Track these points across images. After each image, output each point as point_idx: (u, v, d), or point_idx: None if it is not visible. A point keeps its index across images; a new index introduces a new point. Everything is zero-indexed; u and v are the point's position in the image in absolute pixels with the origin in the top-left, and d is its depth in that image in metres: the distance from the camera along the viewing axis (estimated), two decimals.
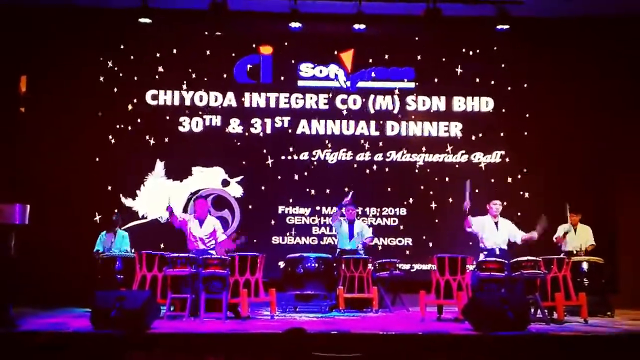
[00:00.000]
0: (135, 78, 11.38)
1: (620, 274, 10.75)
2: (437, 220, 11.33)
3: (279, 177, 11.41)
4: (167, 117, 11.41)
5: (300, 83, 11.58)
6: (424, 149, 11.52)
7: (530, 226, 9.17)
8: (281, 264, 10.27)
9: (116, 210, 10.54)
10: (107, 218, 10.36)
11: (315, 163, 11.46)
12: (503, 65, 11.61)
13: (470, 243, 9.59)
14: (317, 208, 11.37)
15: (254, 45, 11.56)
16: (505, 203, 10.22)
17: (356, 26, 10.60)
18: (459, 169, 11.47)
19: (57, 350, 6.14)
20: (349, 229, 10.11)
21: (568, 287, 8.60)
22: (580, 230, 9.88)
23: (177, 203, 11.20)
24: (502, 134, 11.57)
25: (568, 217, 9.71)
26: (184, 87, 11.44)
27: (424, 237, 11.35)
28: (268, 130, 11.49)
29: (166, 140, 11.36)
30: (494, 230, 9.11)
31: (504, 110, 11.60)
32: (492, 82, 11.62)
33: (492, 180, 11.42)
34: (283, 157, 11.44)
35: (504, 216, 9.31)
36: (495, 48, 11.60)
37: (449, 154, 11.52)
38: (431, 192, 11.42)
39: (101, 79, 11.25)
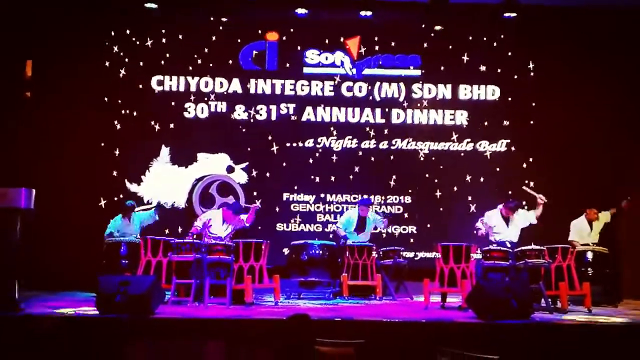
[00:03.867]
0: (141, 63, 11.37)
1: (624, 264, 10.72)
2: (441, 209, 11.32)
3: (284, 164, 11.41)
4: (173, 103, 11.40)
5: (306, 70, 11.54)
6: (429, 137, 11.50)
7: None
8: (285, 251, 10.28)
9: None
10: (112, 203, 10.36)
11: (320, 150, 11.45)
12: (510, 54, 11.56)
13: (475, 232, 9.58)
14: (322, 195, 11.37)
15: (259, 32, 11.51)
16: (510, 192, 10.23)
17: (363, 13, 10.58)
18: (464, 157, 11.45)
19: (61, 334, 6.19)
20: (360, 223, 10.01)
21: (572, 277, 8.60)
22: (597, 226, 9.87)
23: (181, 189, 11.25)
24: (507, 123, 11.53)
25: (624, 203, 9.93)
26: (190, 73, 11.43)
27: (429, 226, 11.35)
28: (273, 117, 11.48)
29: (171, 126, 11.36)
30: (504, 227, 9.08)
31: (510, 99, 11.56)
32: (499, 71, 11.57)
33: (497, 169, 11.40)
34: (288, 144, 11.43)
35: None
36: (502, 36, 11.54)
37: (455, 142, 11.49)
38: (436, 181, 11.40)
39: (107, 64, 11.23)
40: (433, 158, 11.48)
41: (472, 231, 9.49)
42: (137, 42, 11.35)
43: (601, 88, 11.12)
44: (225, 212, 9.15)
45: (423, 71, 11.59)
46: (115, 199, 10.87)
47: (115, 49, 11.27)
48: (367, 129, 11.51)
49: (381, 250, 9.79)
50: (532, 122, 11.47)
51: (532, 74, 11.53)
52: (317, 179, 11.41)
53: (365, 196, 10.98)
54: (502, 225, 9.06)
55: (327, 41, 11.53)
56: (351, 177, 11.42)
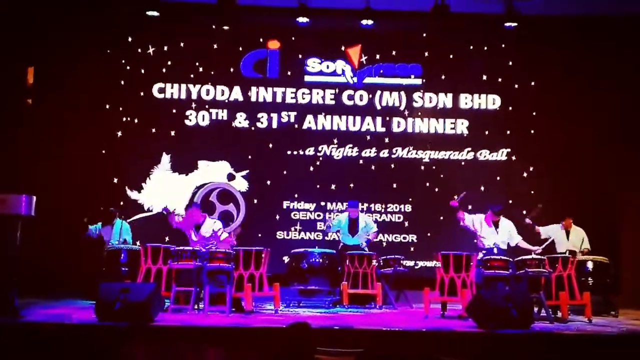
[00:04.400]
0: (142, 71, 11.40)
1: (623, 273, 10.70)
2: (442, 218, 11.28)
3: (285, 172, 11.42)
4: (174, 111, 11.42)
5: (307, 78, 11.57)
6: (430, 145, 11.51)
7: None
8: (285, 259, 10.27)
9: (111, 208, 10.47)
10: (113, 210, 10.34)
11: (321, 158, 11.47)
12: (510, 63, 11.59)
13: (475, 241, 9.57)
14: (322, 203, 11.36)
15: (261, 40, 11.56)
16: (510, 201, 10.23)
17: (364, 22, 10.58)
18: (465, 166, 11.46)
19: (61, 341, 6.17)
20: (351, 225, 10.03)
21: (572, 286, 8.57)
22: (574, 234, 9.86)
23: (182, 197, 11.24)
24: (508, 132, 11.54)
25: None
26: (191, 80, 11.45)
27: (429, 234, 11.34)
28: (274, 125, 11.49)
29: (172, 133, 11.38)
30: (493, 232, 9.09)
31: (510, 108, 11.58)
32: (499, 80, 11.60)
33: (498, 178, 11.40)
34: (289, 152, 11.44)
35: (509, 216, 9.31)
36: (503, 46, 11.57)
37: (455, 151, 11.50)
38: (436, 189, 11.40)
39: (108, 71, 11.24)
40: (434, 167, 11.49)
41: (472, 240, 9.49)
42: (139, 50, 11.39)
43: (601, 97, 11.14)
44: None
45: (424, 80, 11.61)
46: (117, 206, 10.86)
47: (117, 56, 11.30)
48: (368, 137, 11.53)
49: (381, 258, 9.78)
50: (532, 131, 11.48)
51: (532, 83, 11.55)
52: (318, 187, 11.41)
53: (366, 204, 11.01)
54: (489, 231, 9.08)
55: (328, 50, 11.57)
56: (352, 185, 11.42)
